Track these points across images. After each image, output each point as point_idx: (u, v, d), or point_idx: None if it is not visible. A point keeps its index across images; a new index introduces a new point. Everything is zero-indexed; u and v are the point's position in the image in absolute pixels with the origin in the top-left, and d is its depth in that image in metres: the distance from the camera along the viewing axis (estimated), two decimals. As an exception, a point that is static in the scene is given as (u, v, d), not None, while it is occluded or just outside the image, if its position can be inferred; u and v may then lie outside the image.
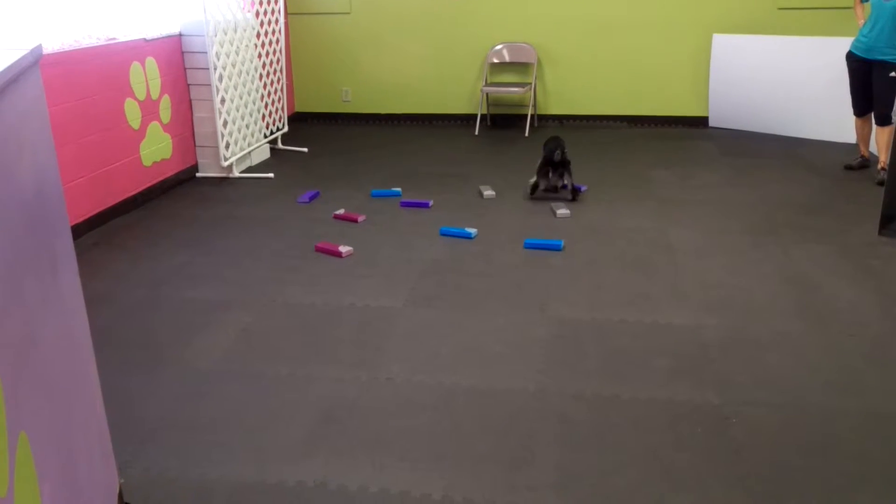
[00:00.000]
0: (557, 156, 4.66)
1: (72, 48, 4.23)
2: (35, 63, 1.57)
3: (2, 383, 1.08)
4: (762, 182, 5.17)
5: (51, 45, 4.07)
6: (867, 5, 5.17)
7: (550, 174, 4.73)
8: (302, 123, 7.36)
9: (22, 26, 3.93)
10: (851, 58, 5.22)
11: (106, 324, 3.19)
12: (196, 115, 5.45)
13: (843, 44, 5.36)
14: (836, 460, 2.26)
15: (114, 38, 4.64)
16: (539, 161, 4.80)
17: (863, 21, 5.19)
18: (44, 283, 1.44)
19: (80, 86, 4.27)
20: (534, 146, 6.38)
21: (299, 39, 7.34)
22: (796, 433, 2.39)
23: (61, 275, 1.59)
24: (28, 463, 1.17)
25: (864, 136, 5.43)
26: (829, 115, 6.13)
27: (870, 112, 5.27)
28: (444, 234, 4.22)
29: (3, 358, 1.10)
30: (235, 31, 5.46)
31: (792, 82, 6.28)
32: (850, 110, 5.41)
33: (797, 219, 4.37)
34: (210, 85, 5.24)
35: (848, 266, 3.70)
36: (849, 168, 5.42)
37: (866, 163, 5.43)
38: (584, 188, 5.01)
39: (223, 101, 5.33)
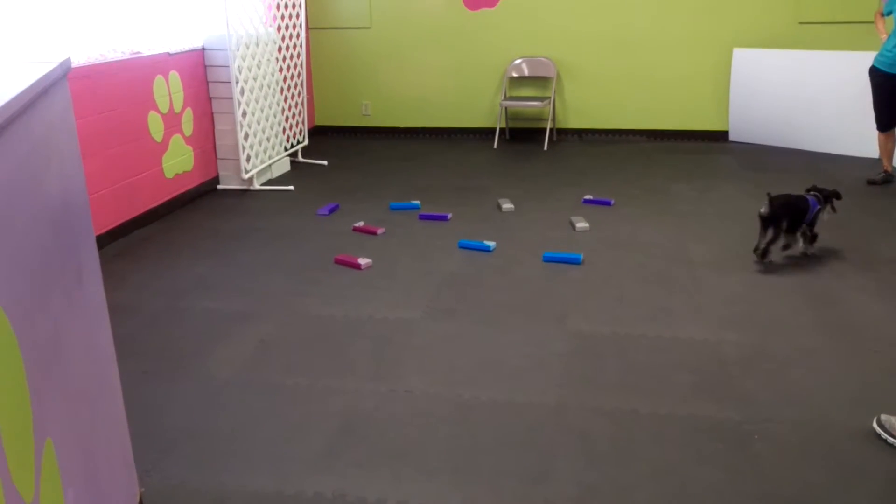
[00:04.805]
0: (764, 210, 3.83)
1: (97, 62, 4.30)
2: (63, 76, 1.60)
3: (30, 389, 1.09)
4: (783, 197, 5.12)
5: (77, 59, 4.14)
6: (889, 19, 5.13)
7: (764, 231, 3.88)
8: (322, 137, 7.42)
9: (50, 40, 4.00)
10: (875, 73, 5.19)
11: (128, 333, 3.22)
12: (218, 127, 5.51)
13: (865, 58, 5.32)
14: (861, 478, 2.22)
15: (138, 52, 4.71)
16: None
17: (885, 35, 5.16)
18: (70, 292, 1.45)
19: (104, 99, 4.33)
20: (552, 160, 6.40)
21: (320, 53, 7.40)
22: (820, 450, 2.36)
23: (86, 284, 1.61)
24: (53, 469, 1.18)
25: (887, 150, 5.39)
26: (852, 130, 6.08)
27: (893, 127, 5.22)
28: (462, 247, 4.22)
29: (30, 365, 1.11)
30: (257, 45, 5.52)
31: (813, 97, 6.24)
32: (873, 125, 5.37)
33: (819, 233, 4.33)
34: (232, 98, 5.30)
35: (871, 281, 3.66)
36: (872, 183, 5.37)
37: (890, 178, 5.37)
38: (612, 202, 5.01)
39: (244, 114, 5.39)
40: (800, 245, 3.97)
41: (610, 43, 6.88)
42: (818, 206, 3.98)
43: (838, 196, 4.07)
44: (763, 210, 3.84)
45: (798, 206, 3.91)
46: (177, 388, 2.80)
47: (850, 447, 2.37)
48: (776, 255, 3.94)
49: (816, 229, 4.00)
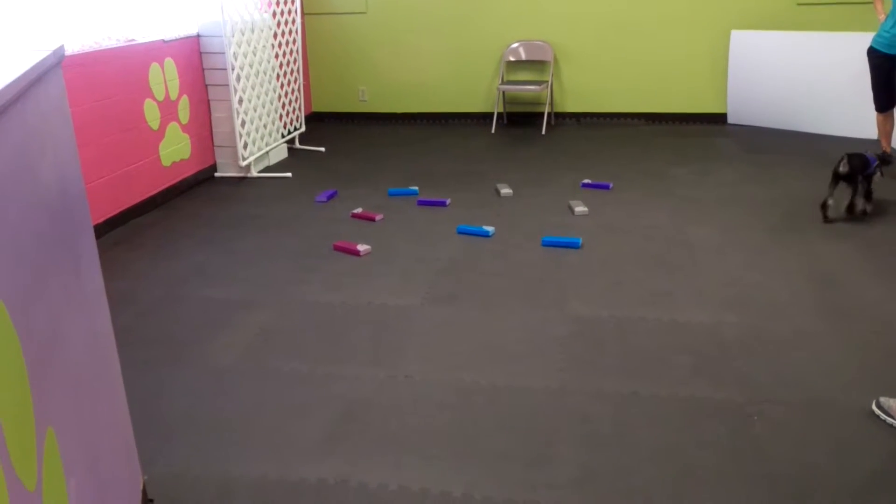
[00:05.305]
0: (843, 167, 4.10)
1: (92, 49, 4.27)
2: (58, 63, 1.59)
3: (30, 379, 1.09)
4: (782, 179, 5.12)
5: (72, 47, 4.11)
6: (888, 0, 5.10)
7: (834, 188, 4.17)
8: (319, 123, 7.39)
9: (44, 28, 3.97)
10: (873, 53, 5.16)
11: (127, 322, 3.22)
12: (214, 115, 5.49)
13: (863, 39, 5.30)
14: (863, 459, 2.23)
15: (133, 40, 4.68)
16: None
17: (883, 16, 5.14)
18: (68, 281, 1.45)
19: (100, 87, 4.31)
20: (550, 144, 6.38)
21: (316, 39, 7.36)
22: (821, 432, 2.36)
23: (84, 273, 1.61)
24: (55, 458, 1.18)
25: (886, 131, 5.38)
26: (850, 111, 6.06)
27: (892, 107, 5.20)
28: (461, 233, 4.21)
29: (30, 354, 1.11)
30: (253, 31, 5.48)
31: (811, 78, 6.22)
32: (872, 106, 5.35)
33: (818, 215, 4.33)
34: (228, 85, 5.27)
35: (871, 263, 3.66)
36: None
37: (888, 158, 5.34)
38: (610, 186, 5.00)
39: (241, 101, 5.36)
40: (860, 205, 4.19)
41: (607, 26, 6.85)
42: (876, 162, 4.24)
43: (887, 162, 4.38)
44: (842, 168, 4.11)
45: (866, 164, 4.19)
46: (177, 375, 2.80)
47: (849, 428, 2.38)
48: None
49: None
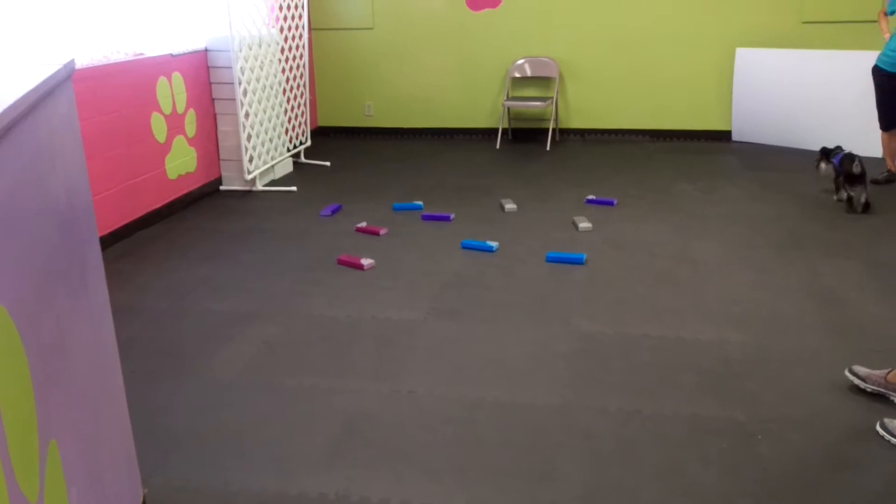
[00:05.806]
0: (857, 168, 4.63)
1: (100, 63, 4.30)
2: (68, 77, 1.60)
3: (34, 391, 1.10)
4: (786, 196, 5.13)
5: (81, 61, 4.14)
6: (892, 19, 5.12)
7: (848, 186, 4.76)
8: (324, 137, 7.42)
9: (53, 42, 4.00)
10: (878, 72, 5.18)
11: (131, 334, 3.22)
12: (220, 129, 5.51)
13: (868, 57, 5.32)
14: (866, 478, 2.22)
15: (141, 54, 4.71)
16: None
17: (888, 35, 5.16)
18: (74, 293, 1.46)
19: (108, 100, 4.34)
20: (555, 160, 6.40)
21: (322, 54, 7.41)
22: (824, 450, 2.35)
23: (90, 285, 1.61)
24: (57, 470, 1.18)
25: (890, 150, 5.38)
26: (855, 130, 6.06)
27: (896, 126, 5.21)
28: (465, 248, 4.22)
29: (34, 366, 1.11)
30: (260, 46, 5.52)
31: (816, 96, 6.23)
32: (877, 124, 5.36)
33: (823, 233, 4.33)
34: (234, 99, 5.30)
35: (874, 281, 3.65)
36: (875, 182, 5.35)
37: (893, 177, 5.37)
38: (614, 202, 5.01)
39: (247, 115, 5.39)
40: (862, 198, 4.71)
41: (612, 43, 6.88)
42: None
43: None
44: (856, 169, 4.63)
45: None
46: (180, 388, 2.80)
47: (853, 447, 2.37)
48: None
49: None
